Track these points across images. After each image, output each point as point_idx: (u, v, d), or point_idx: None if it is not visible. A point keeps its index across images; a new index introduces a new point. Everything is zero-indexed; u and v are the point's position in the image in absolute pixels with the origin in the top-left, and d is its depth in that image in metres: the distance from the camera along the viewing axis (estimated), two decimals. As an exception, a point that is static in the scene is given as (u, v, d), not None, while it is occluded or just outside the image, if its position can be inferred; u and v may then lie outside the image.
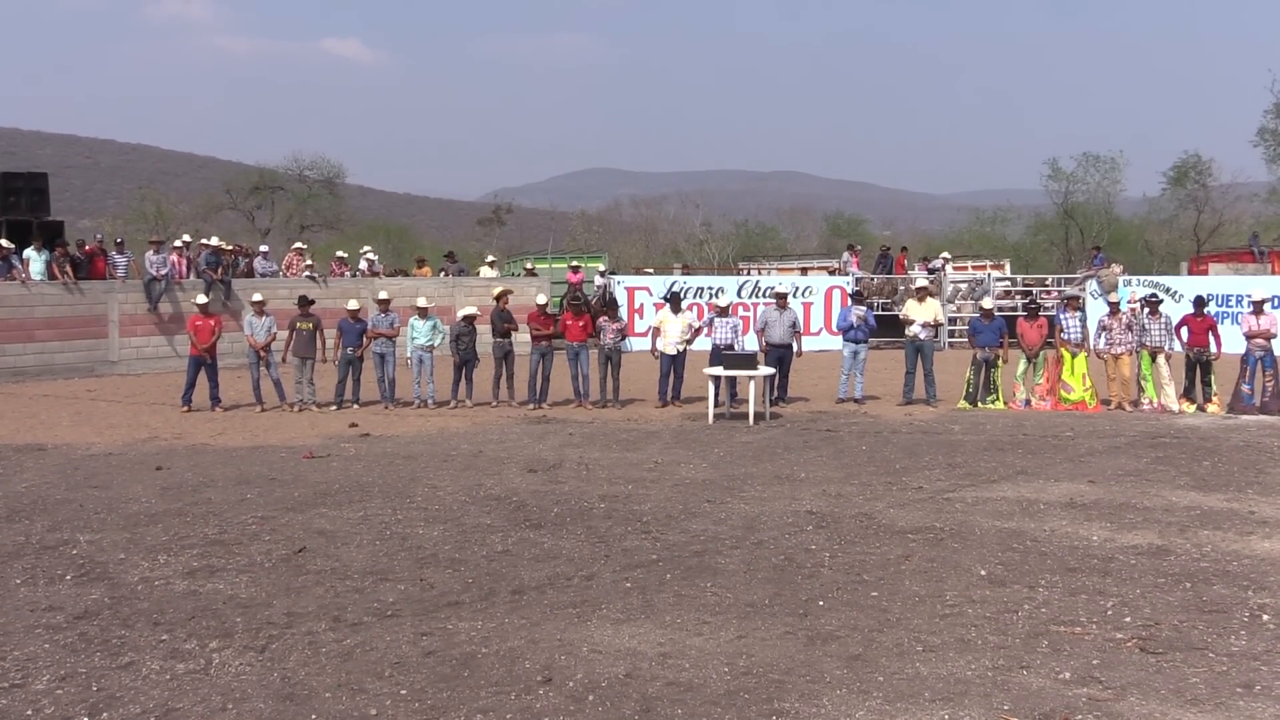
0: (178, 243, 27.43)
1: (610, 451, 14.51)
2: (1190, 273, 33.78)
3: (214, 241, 27.80)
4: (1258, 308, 18.05)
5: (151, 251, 25.41)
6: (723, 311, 19.30)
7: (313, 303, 19.45)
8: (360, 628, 7.54)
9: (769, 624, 7.57)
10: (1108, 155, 54.14)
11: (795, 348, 19.00)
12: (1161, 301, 19.44)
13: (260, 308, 18.98)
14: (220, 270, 25.75)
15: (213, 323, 18.81)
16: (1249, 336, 17.82)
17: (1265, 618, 7.66)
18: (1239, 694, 6.35)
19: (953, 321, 29.85)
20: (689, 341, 19.08)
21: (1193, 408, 17.93)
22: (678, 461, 13.74)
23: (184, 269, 25.99)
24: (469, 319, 19.12)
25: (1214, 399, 17.99)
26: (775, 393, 18.49)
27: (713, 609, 7.89)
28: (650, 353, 19.18)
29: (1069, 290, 26.04)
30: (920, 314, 19.09)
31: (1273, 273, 31.34)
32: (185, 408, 18.44)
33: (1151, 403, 18.15)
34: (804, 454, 14.27)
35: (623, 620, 7.66)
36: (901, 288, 30.84)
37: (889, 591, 8.28)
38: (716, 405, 17.46)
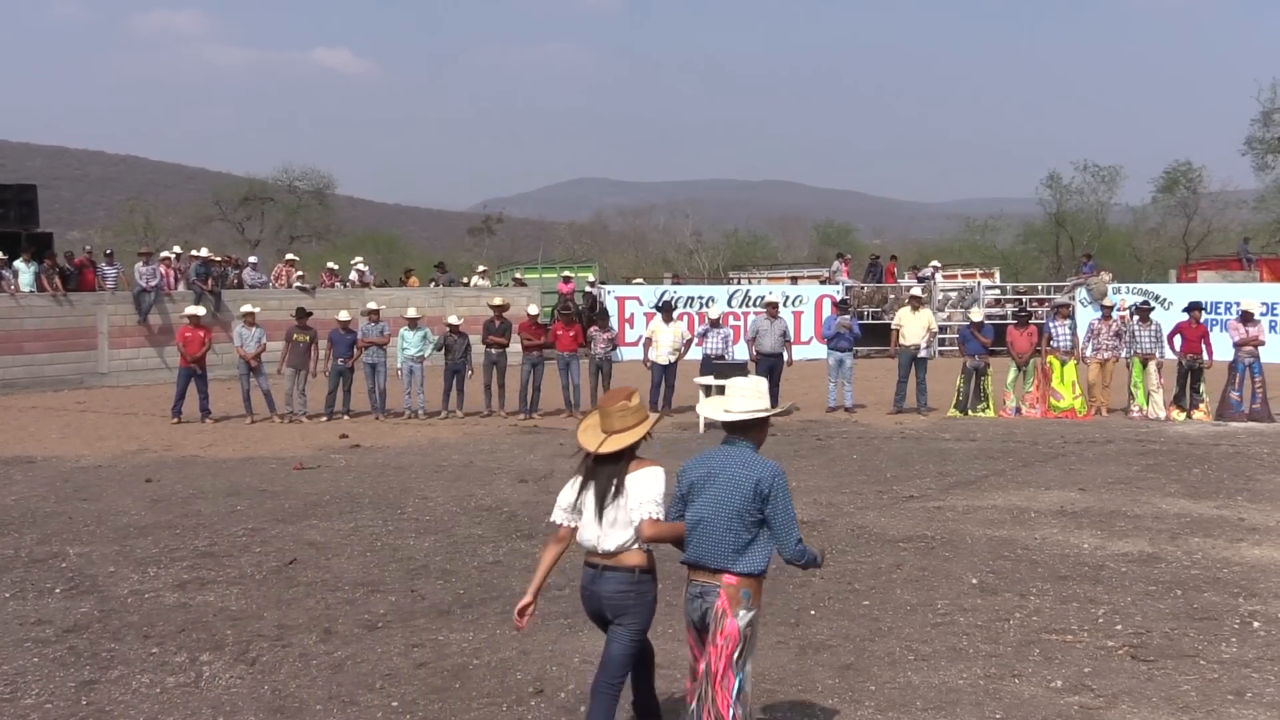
0: (165, 254, 27.38)
1: (601, 461, 14.46)
2: (1179, 280, 33.90)
3: (203, 253, 27.78)
4: (1247, 316, 18.07)
5: (141, 263, 25.36)
6: (715, 323, 19.30)
7: (310, 314, 19.42)
8: (351, 640, 7.52)
9: (760, 634, 7.55)
10: (1108, 166, 54.31)
11: (786, 357, 19.00)
12: (1153, 309, 19.48)
13: (250, 319, 18.96)
14: (210, 281, 25.72)
15: (202, 334, 18.77)
16: (1238, 344, 17.84)
17: (1256, 625, 7.68)
18: (1230, 701, 6.36)
19: (943, 329, 29.90)
20: (682, 353, 19.07)
21: (1182, 415, 17.97)
22: (669, 470, 13.70)
23: (173, 280, 25.95)
24: (456, 328, 19.04)
25: (1201, 406, 18.02)
26: (766, 402, 18.45)
27: (704, 619, 7.88)
28: (643, 363, 19.17)
29: (1059, 298, 26.13)
30: (913, 322, 19.09)
31: (1261, 280, 31.46)
32: (175, 419, 18.41)
33: (1140, 410, 18.19)
34: (795, 463, 14.26)
35: (614, 631, 7.64)
36: (891, 296, 30.91)
37: (880, 600, 8.28)
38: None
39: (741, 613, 5.02)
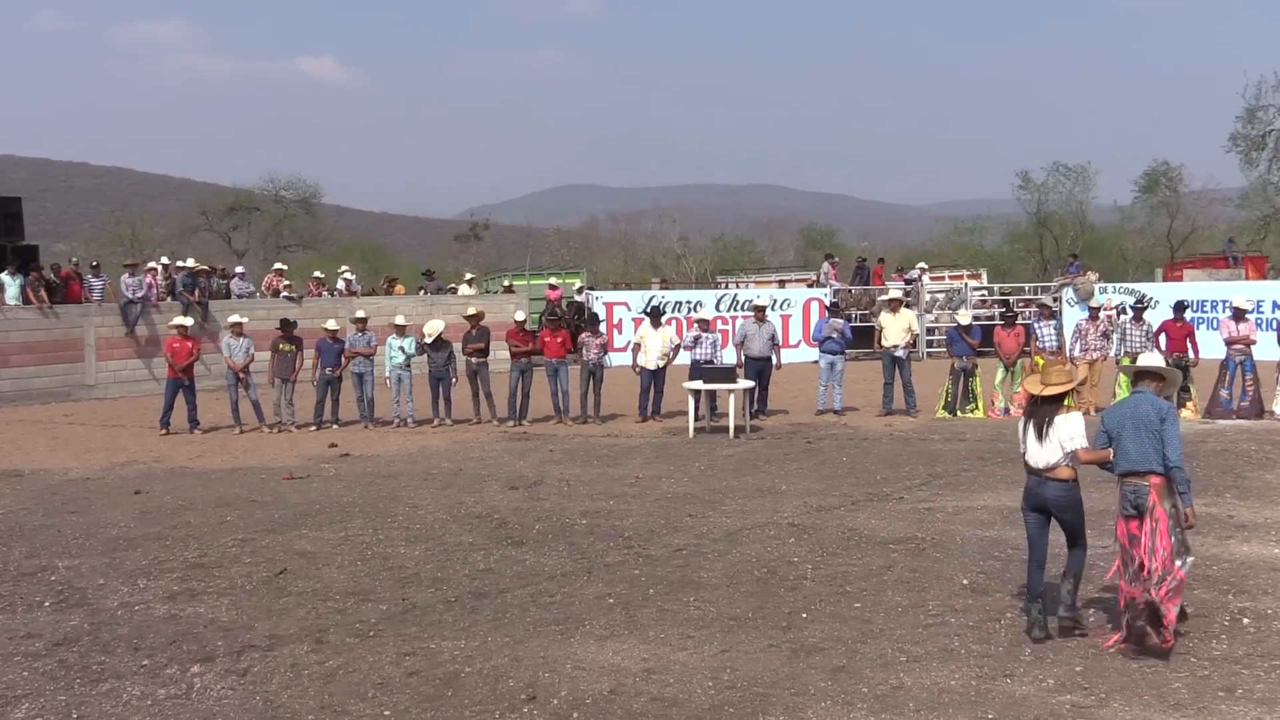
0: (151, 264, 27.32)
1: (591, 467, 14.50)
2: (1165, 279, 34.00)
3: (190, 263, 27.72)
4: (1238, 313, 18.10)
5: (127, 274, 25.30)
6: (705, 327, 19.30)
7: (295, 325, 19.35)
8: (342, 649, 7.51)
9: (752, 637, 7.57)
10: (1077, 165, 54.56)
11: (774, 360, 19.01)
12: (1146, 308, 19.54)
13: (238, 329, 18.92)
14: (197, 292, 25.66)
15: (190, 344, 18.73)
16: (1229, 342, 17.87)
17: (1245, 621, 7.70)
18: (1221, 698, 6.38)
19: (931, 331, 29.94)
20: (670, 358, 19.06)
21: (1169, 413, 17.98)
22: (659, 476, 13.74)
23: (159, 291, 25.86)
24: (435, 340, 18.93)
25: (1189, 404, 18.05)
26: (755, 406, 18.49)
27: (696, 623, 7.89)
28: (632, 368, 19.16)
29: (1044, 298, 26.19)
30: (894, 325, 19.09)
31: (1247, 278, 31.55)
32: (163, 430, 18.36)
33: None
34: (785, 466, 14.29)
35: (606, 636, 7.65)
36: (879, 299, 30.96)
37: (872, 602, 8.29)
38: (697, 419, 17.46)
39: (1166, 500, 7.27)
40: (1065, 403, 7.62)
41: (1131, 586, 7.23)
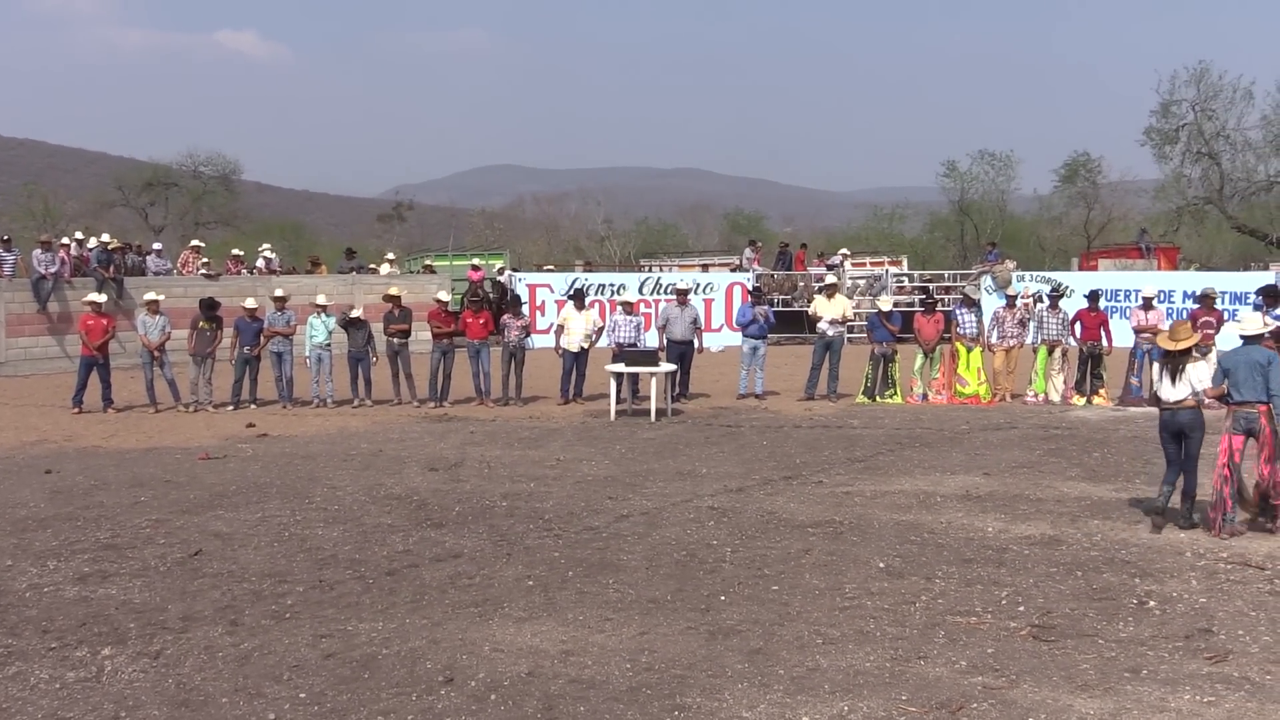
0: (65, 240, 26.73)
1: (512, 449, 14.47)
2: (1080, 268, 34.57)
3: (105, 239, 27.17)
4: (1147, 303, 18.50)
5: (40, 250, 24.73)
6: (628, 309, 19.32)
7: (218, 305, 19.01)
8: (258, 631, 7.43)
9: (671, 620, 7.61)
10: (1002, 154, 55.26)
11: (696, 344, 19.08)
12: (1062, 296, 19.92)
13: (154, 307, 18.60)
14: (112, 268, 25.17)
15: (105, 322, 18.39)
16: (1137, 331, 18.24)
17: (1151, 604, 7.88)
18: (1127, 679, 6.52)
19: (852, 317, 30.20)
20: (594, 341, 19.07)
21: (1082, 400, 18.35)
22: (580, 459, 13.74)
23: (73, 267, 25.31)
24: (355, 320, 18.79)
25: (1101, 391, 18.40)
26: (677, 389, 18.55)
27: (615, 606, 7.91)
28: (555, 350, 19.15)
29: (966, 287, 26.53)
30: (829, 311, 19.25)
31: (1159, 268, 32.21)
32: (76, 409, 18.01)
33: (1036, 395, 18.57)
34: (705, 450, 14.36)
35: (525, 619, 7.65)
36: (801, 284, 31.15)
37: (789, 585, 8.36)
38: (618, 402, 17.48)
39: (1272, 423, 9.72)
40: (1193, 353, 10.20)
41: (1224, 485, 9.78)
